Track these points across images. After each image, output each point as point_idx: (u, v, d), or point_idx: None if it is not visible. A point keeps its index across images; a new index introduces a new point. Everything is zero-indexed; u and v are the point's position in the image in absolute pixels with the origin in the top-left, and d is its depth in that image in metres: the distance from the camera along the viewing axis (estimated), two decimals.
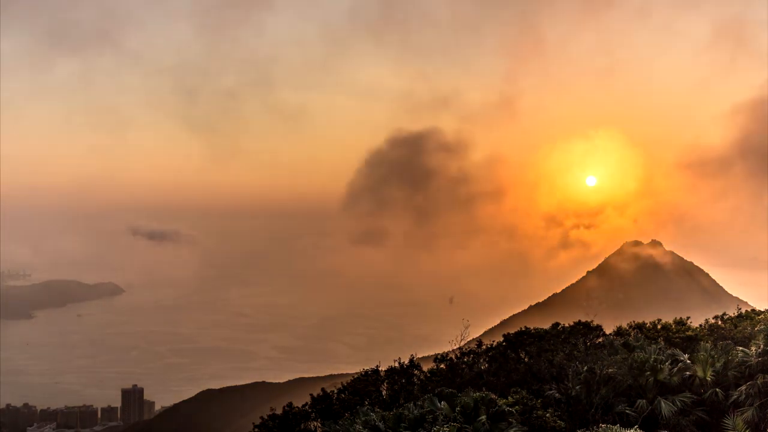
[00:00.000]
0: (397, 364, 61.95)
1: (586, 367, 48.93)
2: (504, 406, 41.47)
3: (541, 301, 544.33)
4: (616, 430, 36.41)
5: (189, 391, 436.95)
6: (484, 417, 40.32)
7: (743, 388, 43.98)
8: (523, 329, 64.87)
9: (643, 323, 63.93)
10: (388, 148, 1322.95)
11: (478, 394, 42.48)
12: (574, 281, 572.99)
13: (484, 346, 63.83)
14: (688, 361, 48.51)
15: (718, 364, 46.88)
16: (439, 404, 42.80)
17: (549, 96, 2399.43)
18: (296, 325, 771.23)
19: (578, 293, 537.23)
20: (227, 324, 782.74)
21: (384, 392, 59.63)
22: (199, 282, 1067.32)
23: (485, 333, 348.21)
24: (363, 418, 42.31)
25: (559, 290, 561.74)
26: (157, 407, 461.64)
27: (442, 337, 79.47)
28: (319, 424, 56.23)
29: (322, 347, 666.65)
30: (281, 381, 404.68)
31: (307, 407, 58.77)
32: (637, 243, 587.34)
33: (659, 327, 62.58)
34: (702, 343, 52.42)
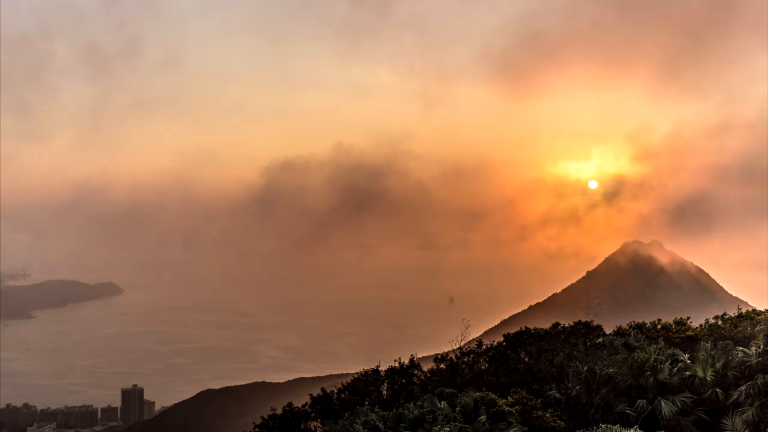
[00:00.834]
0: (397, 364, 62.01)
1: (586, 367, 48.95)
2: (504, 406, 41.53)
3: (541, 301, 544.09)
4: (616, 430, 36.43)
5: (189, 392, 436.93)
6: (484, 417, 40.37)
7: (743, 388, 44.02)
8: (524, 329, 64.92)
9: (643, 323, 63.94)
10: None
11: (478, 394, 42.54)
12: (574, 281, 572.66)
13: (484, 346, 63.90)
14: (688, 361, 48.54)
15: (718, 364, 46.92)
16: (439, 404, 42.84)
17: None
18: (298, 324, 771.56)
19: (578, 293, 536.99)
20: (229, 324, 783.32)
21: (384, 392, 59.67)
22: (200, 282, 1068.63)
23: (485, 333, 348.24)
24: (363, 418, 42.35)
25: (559, 290, 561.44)
26: (157, 407, 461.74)
27: (443, 337, 79.62)
28: (319, 424, 56.28)
29: (323, 347, 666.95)
30: (281, 381, 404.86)
31: (307, 407, 58.82)
32: (637, 243, 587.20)
33: (659, 327, 62.59)
34: (702, 343, 52.37)
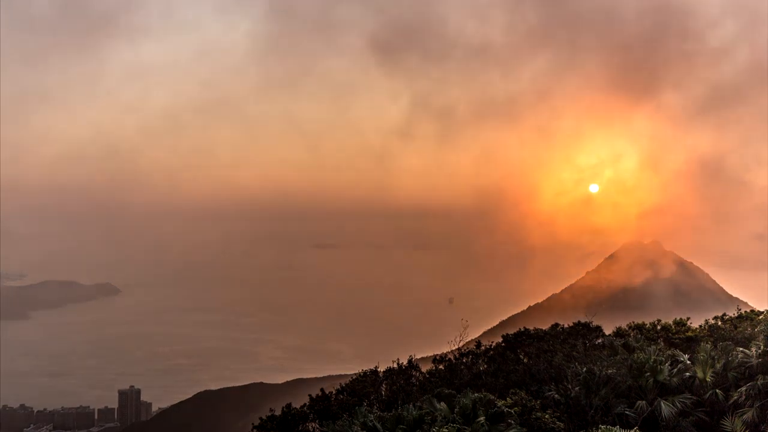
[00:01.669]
0: (395, 365, 62.07)
1: (585, 368, 48.95)
2: (503, 407, 41.55)
3: (540, 301, 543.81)
4: (615, 431, 36.45)
5: (187, 392, 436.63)
6: (482, 418, 40.38)
7: (743, 389, 44.01)
8: (522, 330, 65.02)
9: (643, 324, 64.02)
10: None
11: (476, 395, 42.55)
12: (573, 281, 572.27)
13: (483, 347, 63.98)
14: (688, 362, 48.57)
15: (718, 365, 46.93)
16: (437, 405, 42.86)
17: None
18: (299, 325, 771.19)
19: (578, 294, 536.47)
20: (228, 324, 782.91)
21: (383, 393, 59.70)
22: (198, 282, 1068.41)
23: (484, 333, 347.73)
24: (361, 419, 42.35)
25: (558, 291, 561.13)
26: (155, 408, 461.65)
27: (442, 337, 79.63)
28: (318, 425, 56.28)
29: (324, 348, 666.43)
30: (280, 382, 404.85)
31: (305, 408, 58.85)
32: (636, 243, 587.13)
33: (659, 327, 62.67)
34: (702, 343, 52.40)
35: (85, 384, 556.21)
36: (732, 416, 42.16)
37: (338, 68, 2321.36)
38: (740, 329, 59.24)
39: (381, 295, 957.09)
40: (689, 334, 60.36)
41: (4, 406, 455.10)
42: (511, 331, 66.23)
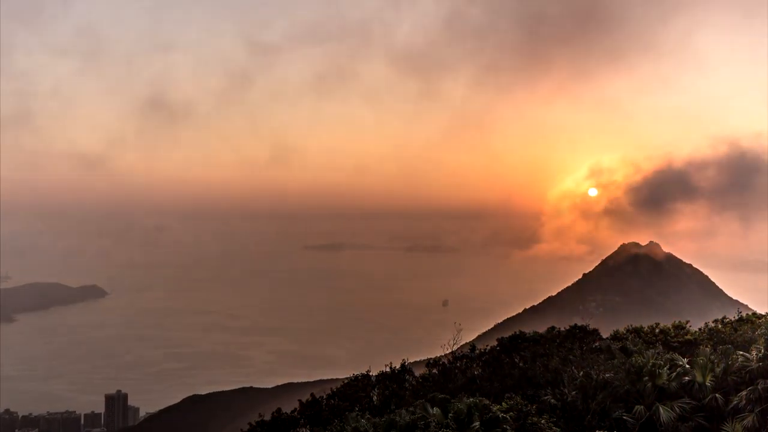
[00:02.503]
0: (388, 369, 61.92)
1: (582, 372, 48.89)
2: (498, 412, 41.43)
3: (536, 304, 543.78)
4: None
5: (176, 397, 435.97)
6: (477, 423, 40.28)
7: (744, 393, 43.91)
8: (518, 333, 64.95)
9: (641, 327, 63.92)
10: None
11: (471, 399, 42.46)
12: (569, 284, 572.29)
13: (477, 351, 63.88)
14: (687, 366, 48.43)
15: (717, 369, 46.84)
16: (431, 410, 42.70)
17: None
18: (293, 328, 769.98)
19: (574, 296, 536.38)
20: (219, 327, 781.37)
21: (375, 398, 59.56)
22: (188, 283, 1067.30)
23: (479, 337, 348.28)
24: (353, 425, 42.25)
25: (554, 293, 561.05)
26: (142, 413, 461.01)
27: (436, 340, 79.67)
28: (308, 431, 56.14)
29: (318, 352, 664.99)
30: (270, 386, 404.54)
31: (296, 413, 58.66)
32: (634, 244, 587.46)
33: (657, 331, 62.57)
34: (701, 347, 52.36)
35: (71, 388, 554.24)
36: (732, 421, 42.11)
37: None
38: (740, 332, 59.10)
39: (374, 298, 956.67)
40: (688, 337, 60.27)
41: None
42: (507, 334, 66.20)
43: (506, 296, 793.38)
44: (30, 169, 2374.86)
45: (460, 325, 71.89)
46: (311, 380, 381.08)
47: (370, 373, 61.96)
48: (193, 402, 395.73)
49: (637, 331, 63.05)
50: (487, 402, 42.28)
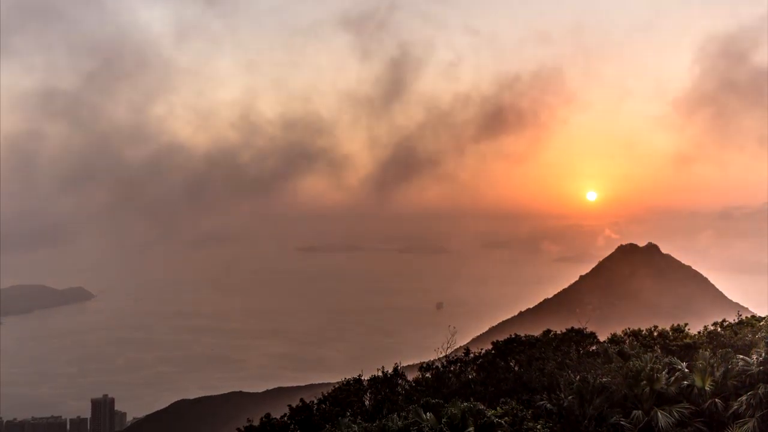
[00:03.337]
0: (380, 373, 61.80)
1: (578, 377, 48.83)
2: (493, 417, 41.33)
3: (531, 306, 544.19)
4: None
5: (164, 402, 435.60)
6: (471, 428, 40.18)
7: (744, 398, 43.81)
8: (513, 336, 64.91)
9: (639, 330, 63.96)
10: None
11: (465, 404, 42.32)
12: (566, 286, 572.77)
13: (472, 354, 63.80)
14: (686, 370, 48.36)
15: (717, 373, 46.76)
16: (424, 415, 42.55)
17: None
18: (287, 330, 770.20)
19: (571, 298, 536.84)
20: (211, 330, 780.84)
21: (367, 403, 59.42)
22: (178, 285, 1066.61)
23: (473, 340, 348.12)
24: (345, 430, 42.14)
25: (550, 295, 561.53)
26: (129, 418, 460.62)
27: (430, 344, 79.68)
28: None
29: (312, 355, 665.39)
30: (260, 391, 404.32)
31: (285, 418, 58.49)
32: (632, 246, 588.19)
33: (656, 334, 62.64)
34: (701, 351, 52.26)
35: (60, 393, 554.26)
36: (732, 427, 42.05)
37: None
38: (740, 336, 59.11)
39: (367, 300, 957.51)
40: (687, 340, 60.29)
41: None
42: (502, 337, 66.17)
43: (501, 298, 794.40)
44: None
45: (454, 328, 71.78)
46: (302, 385, 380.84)
47: (362, 377, 61.81)
48: (182, 407, 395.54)
49: (634, 334, 63.07)
50: (481, 407, 42.18)
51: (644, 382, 46.60)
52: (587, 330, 64.60)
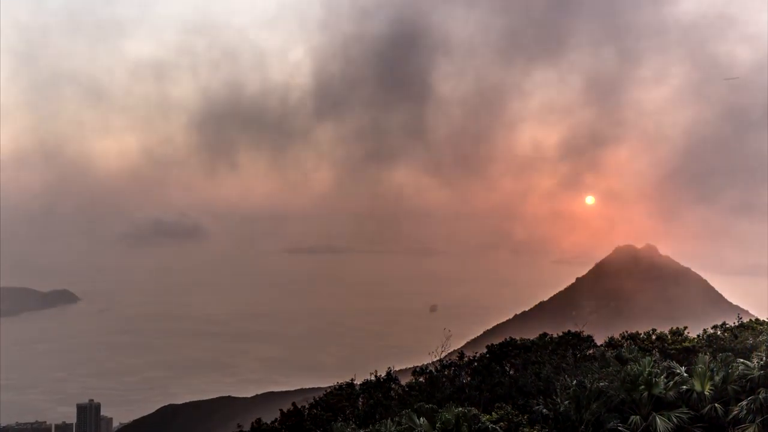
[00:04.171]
0: (373, 377, 61.75)
1: (575, 381, 48.79)
2: (488, 423, 41.36)
3: (527, 309, 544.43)
4: None
5: (150, 407, 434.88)
6: None
7: (744, 403, 43.82)
8: (509, 340, 64.91)
9: (637, 333, 63.90)
10: None
11: (459, 409, 42.34)
12: (562, 288, 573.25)
13: (466, 358, 63.79)
14: (685, 374, 48.32)
15: (717, 378, 46.75)
16: (418, 420, 42.55)
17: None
18: (278, 334, 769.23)
19: (567, 301, 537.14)
20: (199, 333, 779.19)
21: (359, 407, 59.37)
22: (165, 288, 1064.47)
23: (468, 344, 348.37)
24: None
25: (546, 298, 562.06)
26: (115, 423, 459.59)
27: (424, 348, 79.62)
28: None
29: (306, 359, 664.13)
30: (249, 395, 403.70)
31: (276, 423, 58.43)
32: (630, 247, 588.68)
33: (654, 338, 62.59)
34: (700, 354, 52.24)
35: (42, 398, 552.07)
36: None
37: None
38: (741, 339, 59.11)
39: (360, 303, 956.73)
40: (686, 344, 60.23)
41: None
42: (497, 341, 66.16)
43: (496, 301, 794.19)
44: None
45: (449, 331, 71.79)
46: (293, 389, 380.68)
47: (355, 382, 61.78)
48: (169, 412, 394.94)
49: (632, 338, 63.03)
50: (476, 412, 42.21)
51: (642, 386, 46.57)
52: (584, 333, 64.57)
